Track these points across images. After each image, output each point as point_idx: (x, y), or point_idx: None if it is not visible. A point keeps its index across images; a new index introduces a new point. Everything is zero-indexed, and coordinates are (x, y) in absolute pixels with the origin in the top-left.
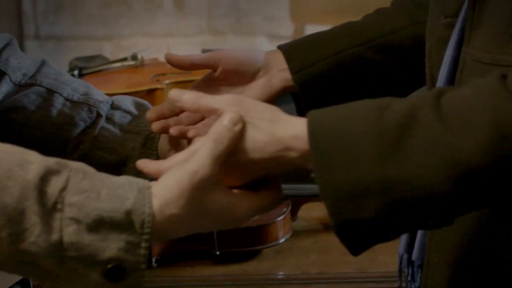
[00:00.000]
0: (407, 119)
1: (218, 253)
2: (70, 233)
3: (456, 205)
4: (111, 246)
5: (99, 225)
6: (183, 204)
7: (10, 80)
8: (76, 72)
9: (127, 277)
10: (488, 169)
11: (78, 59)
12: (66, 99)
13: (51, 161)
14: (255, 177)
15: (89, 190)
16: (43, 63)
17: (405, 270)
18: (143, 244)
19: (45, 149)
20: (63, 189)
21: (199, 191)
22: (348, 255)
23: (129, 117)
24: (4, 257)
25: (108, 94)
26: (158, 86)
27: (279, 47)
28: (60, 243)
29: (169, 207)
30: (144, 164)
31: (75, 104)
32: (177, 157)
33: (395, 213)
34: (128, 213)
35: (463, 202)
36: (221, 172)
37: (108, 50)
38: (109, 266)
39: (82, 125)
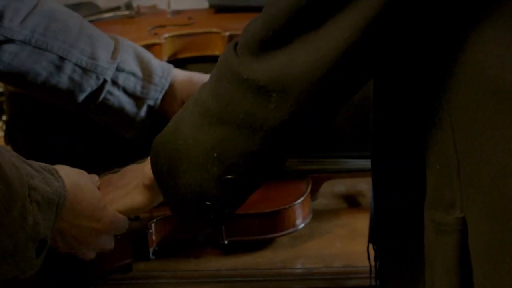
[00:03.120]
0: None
1: (226, 242)
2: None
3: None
4: (47, 224)
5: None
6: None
7: (19, 40)
8: None
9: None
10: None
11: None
12: (76, 64)
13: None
14: None
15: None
16: (48, 13)
17: None
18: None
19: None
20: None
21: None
22: None
23: (132, 79)
24: None
25: None
26: (157, 40)
27: None
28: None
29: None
30: None
31: (84, 70)
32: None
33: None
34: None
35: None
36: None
37: None
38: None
39: (89, 90)
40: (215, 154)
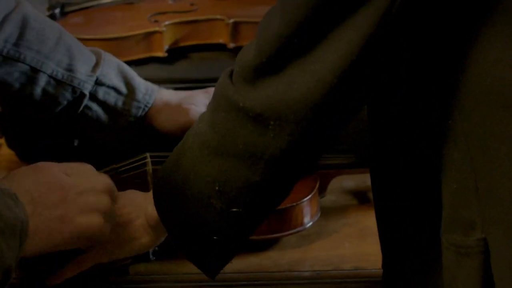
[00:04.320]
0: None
1: None
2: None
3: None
4: (11, 253)
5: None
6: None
7: None
8: (57, 11)
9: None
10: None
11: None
12: (50, 76)
13: None
14: None
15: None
16: (23, 22)
17: None
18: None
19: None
20: None
21: None
22: None
23: (113, 94)
24: None
25: (95, 41)
26: (157, 28)
27: None
28: None
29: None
30: None
31: (59, 83)
32: None
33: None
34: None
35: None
36: None
37: None
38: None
39: (65, 103)
40: (217, 188)
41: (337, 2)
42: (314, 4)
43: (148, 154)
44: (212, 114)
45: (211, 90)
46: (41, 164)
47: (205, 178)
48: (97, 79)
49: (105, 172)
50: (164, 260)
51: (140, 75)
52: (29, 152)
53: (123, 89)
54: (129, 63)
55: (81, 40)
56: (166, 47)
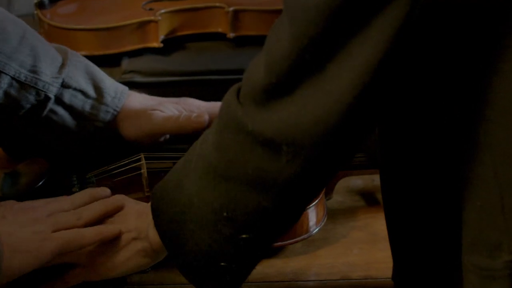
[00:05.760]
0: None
1: None
2: None
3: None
4: None
5: None
6: None
7: None
8: None
9: None
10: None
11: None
12: (13, 78)
13: None
14: None
15: None
16: None
17: None
18: None
19: None
20: None
21: None
22: None
23: (80, 97)
24: None
25: (86, 32)
26: (152, 17)
27: None
28: None
29: None
30: None
31: (22, 85)
32: None
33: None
34: None
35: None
36: None
37: None
38: None
39: (28, 107)
40: (225, 214)
41: (350, 14)
42: (326, 16)
43: (142, 155)
44: (218, 135)
45: (183, 101)
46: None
47: (211, 205)
48: (63, 81)
49: (97, 175)
50: (160, 269)
51: (134, 67)
52: (18, 150)
53: (91, 92)
54: (123, 54)
55: (71, 30)
56: (161, 37)
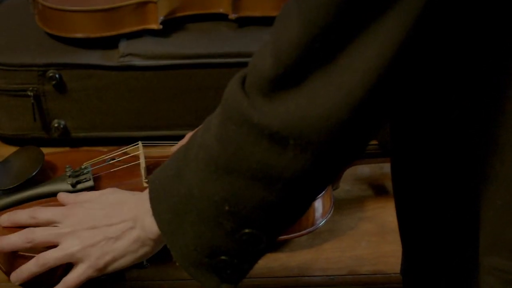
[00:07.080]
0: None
1: None
2: None
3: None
4: None
5: None
6: None
7: None
8: None
9: None
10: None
11: None
12: None
13: None
14: None
15: None
16: None
17: None
18: None
19: None
20: None
21: None
22: None
23: None
24: None
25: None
26: None
27: None
28: None
29: None
30: None
31: None
32: None
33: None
34: None
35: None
36: None
37: None
38: None
39: None
40: (227, 208)
41: (364, 0)
42: (338, 3)
43: (140, 143)
44: (220, 126)
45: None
46: None
47: (212, 197)
48: None
49: (94, 164)
50: (159, 265)
51: (133, 50)
52: None
53: None
54: (121, 36)
55: (67, 12)
56: (161, 18)
